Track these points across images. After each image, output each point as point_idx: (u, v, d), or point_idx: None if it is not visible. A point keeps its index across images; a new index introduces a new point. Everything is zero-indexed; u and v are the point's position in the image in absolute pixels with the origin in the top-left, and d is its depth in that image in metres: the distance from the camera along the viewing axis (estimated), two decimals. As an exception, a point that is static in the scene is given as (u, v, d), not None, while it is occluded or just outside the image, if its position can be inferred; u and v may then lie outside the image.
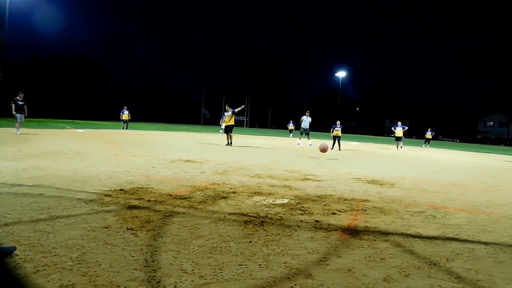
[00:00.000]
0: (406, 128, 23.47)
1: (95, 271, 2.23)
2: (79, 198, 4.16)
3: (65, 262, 2.34)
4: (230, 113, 15.68)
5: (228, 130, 15.62)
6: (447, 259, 2.89)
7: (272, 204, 4.52)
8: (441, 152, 23.35)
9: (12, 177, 5.31)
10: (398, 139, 23.01)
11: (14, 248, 2.43)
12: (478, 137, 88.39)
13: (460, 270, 2.67)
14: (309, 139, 21.01)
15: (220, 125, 16.83)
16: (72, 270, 2.22)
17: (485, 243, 3.40)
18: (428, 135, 31.64)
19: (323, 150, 11.38)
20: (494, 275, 2.60)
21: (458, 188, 7.05)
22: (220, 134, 26.81)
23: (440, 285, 2.36)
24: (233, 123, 15.81)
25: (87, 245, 2.67)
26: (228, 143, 15.53)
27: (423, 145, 31.52)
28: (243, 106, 16.28)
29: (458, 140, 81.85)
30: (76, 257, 2.43)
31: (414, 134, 78.97)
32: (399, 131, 22.84)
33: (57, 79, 71.93)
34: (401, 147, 23.25)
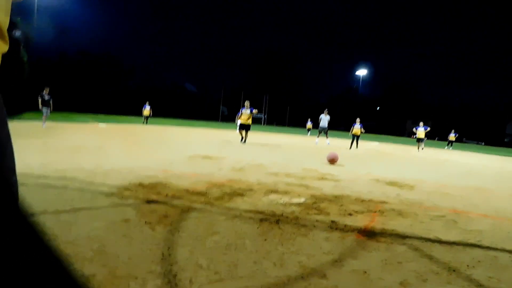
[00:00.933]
0: (429, 129, 22.97)
1: (114, 263, 2.29)
2: (100, 191, 4.25)
3: (86, 253, 2.40)
4: (249, 111, 15.42)
5: (245, 128, 15.41)
6: (468, 265, 2.83)
7: (288, 202, 4.52)
8: (465, 155, 22.83)
9: (39, 169, 5.47)
10: (419, 140, 22.59)
11: None
12: (505, 140, 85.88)
13: (481, 277, 2.61)
14: (327, 137, 20.88)
15: (236, 122, 16.26)
16: (92, 261, 2.28)
17: (509, 251, 3.31)
18: (452, 137, 30.93)
19: (332, 160, 9.72)
20: (515, 284, 2.54)
21: (482, 193, 6.89)
22: (237, 131, 26.89)
23: (457, 291, 2.32)
24: (250, 123, 15.60)
25: (107, 237, 2.73)
26: (242, 139, 15.36)
27: (446, 147, 30.88)
28: (256, 111, 15.87)
29: (483, 143, 79.80)
30: (97, 248, 2.49)
31: (437, 135, 77.36)
32: (421, 132, 22.35)
33: (82, 74, 73.49)
34: (423, 149, 22.84)
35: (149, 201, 3.96)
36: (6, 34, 1.61)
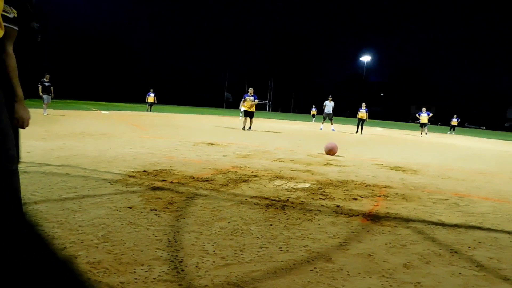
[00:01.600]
0: (431, 114, 23.17)
1: (120, 250, 2.31)
2: (104, 179, 4.28)
3: (91, 240, 2.43)
4: (253, 98, 15.31)
5: (249, 115, 15.34)
6: (469, 247, 2.85)
7: (294, 188, 4.53)
8: (467, 140, 22.75)
9: (41, 156, 5.50)
10: (423, 125, 22.86)
11: None
12: (506, 125, 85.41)
13: (482, 258, 2.63)
14: (332, 124, 20.86)
15: (240, 108, 16.12)
16: (98, 248, 2.31)
17: (509, 233, 3.33)
18: (454, 122, 30.88)
19: (330, 151, 8.30)
20: (518, 265, 2.55)
21: (484, 176, 6.88)
22: (240, 117, 26.87)
23: (460, 273, 2.34)
24: (254, 110, 15.50)
25: (112, 224, 2.76)
26: (244, 127, 15.28)
27: (448, 132, 30.81)
28: (256, 101, 15.67)
29: (485, 128, 79.42)
30: (102, 236, 2.51)
31: (440, 120, 76.97)
32: (424, 117, 22.73)
33: (84, 59, 72.99)
34: (426, 133, 22.95)
35: (154, 188, 3.98)
36: (1, 20, 1.60)
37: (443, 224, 3.43)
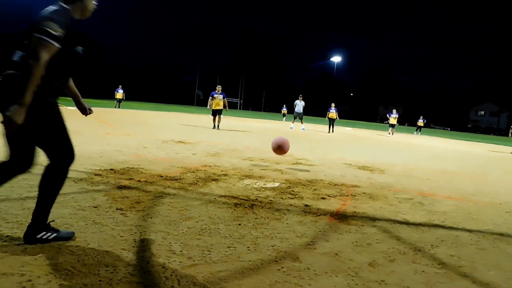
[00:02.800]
0: (397, 115, 24.59)
1: (84, 250, 2.24)
2: (69, 177, 4.09)
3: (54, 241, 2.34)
4: (221, 96, 14.81)
5: (218, 113, 14.84)
6: (432, 245, 2.94)
7: (263, 187, 4.54)
8: (432, 140, 23.56)
9: (0, 154, 5.26)
10: (392, 125, 24.05)
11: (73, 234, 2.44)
12: (469, 126, 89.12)
13: (444, 256, 2.72)
14: (302, 123, 21.08)
15: (208, 106, 15.30)
16: (60, 249, 2.22)
17: (469, 231, 3.46)
18: (420, 122, 31.92)
19: (278, 148, 6.26)
20: (476, 261, 2.66)
21: (447, 175, 7.14)
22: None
23: (423, 271, 2.41)
24: (223, 108, 15.04)
25: (76, 224, 2.67)
26: (214, 126, 14.76)
27: (415, 133, 31.75)
28: (225, 100, 15.04)
29: (449, 128, 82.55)
30: (65, 236, 2.43)
31: (407, 121, 79.31)
32: (393, 118, 24.10)
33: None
34: (392, 134, 23.87)
35: (120, 187, 3.89)
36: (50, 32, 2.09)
37: (407, 223, 3.53)
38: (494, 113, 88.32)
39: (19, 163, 2.37)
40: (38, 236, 2.25)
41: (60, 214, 2.83)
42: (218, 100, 14.79)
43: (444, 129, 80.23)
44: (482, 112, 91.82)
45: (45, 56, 2.04)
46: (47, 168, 2.35)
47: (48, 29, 2.05)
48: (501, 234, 3.42)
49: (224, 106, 15.04)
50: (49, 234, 2.29)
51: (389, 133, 23.99)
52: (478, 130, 79.31)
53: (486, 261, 2.68)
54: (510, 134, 20.04)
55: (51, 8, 2.18)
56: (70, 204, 3.12)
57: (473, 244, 3.08)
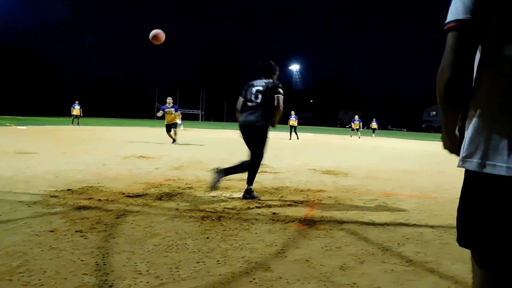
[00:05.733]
0: (360, 122, 28.01)
1: (39, 280, 2.07)
2: (21, 201, 3.88)
3: (4, 272, 2.15)
4: (173, 110, 13.40)
5: (172, 126, 13.58)
6: (399, 244, 2.99)
7: (229, 198, 4.47)
8: (391, 141, 24.36)
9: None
10: (356, 129, 27.31)
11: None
12: (423, 126, 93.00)
13: (411, 253, 2.76)
14: None
15: (156, 115, 14.13)
16: (12, 280, 2.05)
17: (432, 227, 3.56)
18: (373, 125, 32.97)
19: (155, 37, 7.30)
20: (440, 256, 2.72)
21: (408, 175, 7.36)
22: (181, 128, 26.34)
23: (392, 269, 2.43)
24: (176, 121, 13.75)
25: (30, 252, 2.48)
26: (173, 140, 13.47)
27: (373, 135, 32.68)
28: (178, 113, 13.76)
29: (405, 129, 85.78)
30: (18, 266, 2.24)
31: (365, 124, 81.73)
32: (356, 123, 27.34)
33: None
34: (359, 137, 25.87)
35: (79, 208, 3.69)
36: None
37: (374, 224, 3.57)
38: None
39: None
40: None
41: (12, 242, 2.63)
42: (170, 113, 13.47)
43: (400, 130, 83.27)
44: (434, 113, 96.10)
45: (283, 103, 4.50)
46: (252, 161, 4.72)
47: (282, 91, 4.56)
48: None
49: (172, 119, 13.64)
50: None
51: (351, 136, 26.40)
52: (432, 130, 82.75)
53: (450, 255, 2.74)
54: None
55: (278, 81, 4.67)
56: (23, 230, 2.91)
57: (437, 239, 3.16)
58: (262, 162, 4.68)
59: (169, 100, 13.83)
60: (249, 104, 4.53)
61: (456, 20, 1.07)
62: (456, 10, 1.08)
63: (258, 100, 4.45)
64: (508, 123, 1.01)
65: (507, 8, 1.01)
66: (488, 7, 1.03)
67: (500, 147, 1.01)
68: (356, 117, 27.54)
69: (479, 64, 1.10)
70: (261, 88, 4.49)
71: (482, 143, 1.05)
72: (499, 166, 1.00)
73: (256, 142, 4.56)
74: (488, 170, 1.02)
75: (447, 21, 1.10)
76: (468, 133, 1.10)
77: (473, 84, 1.12)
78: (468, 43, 1.07)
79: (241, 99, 4.70)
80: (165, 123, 13.61)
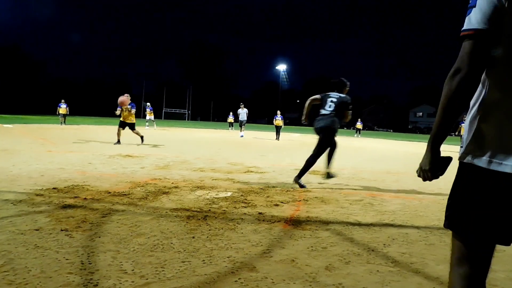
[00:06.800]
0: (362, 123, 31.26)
1: (24, 278, 2.06)
2: (5, 199, 3.83)
3: (-11, 270, 2.13)
4: (130, 107, 12.07)
5: (130, 127, 12.22)
6: (384, 244, 3.03)
7: (215, 197, 4.48)
8: (377, 142, 24.59)
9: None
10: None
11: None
12: (409, 127, 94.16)
13: (396, 254, 2.81)
14: (241, 130, 21.44)
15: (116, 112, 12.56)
16: (-4, 279, 2.03)
17: (417, 227, 3.62)
18: (359, 125, 33.25)
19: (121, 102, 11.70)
20: (425, 257, 2.77)
21: (393, 176, 7.46)
22: (146, 127, 26.11)
23: (378, 270, 2.47)
24: (132, 121, 12.29)
25: (14, 250, 2.46)
26: (117, 141, 11.93)
27: (355, 135, 32.93)
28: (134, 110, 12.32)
29: (392, 130, 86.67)
30: (2, 264, 2.22)
31: (351, 125, 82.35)
32: (359, 124, 30.81)
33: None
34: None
35: (64, 206, 3.66)
36: None
37: (359, 224, 3.62)
38: (430, 114, 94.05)
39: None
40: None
41: (-4, 241, 2.60)
42: (126, 112, 12.15)
43: (387, 131, 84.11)
44: (420, 114, 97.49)
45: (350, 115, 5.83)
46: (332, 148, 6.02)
47: (351, 106, 5.77)
48: (446, 229, 3.60)
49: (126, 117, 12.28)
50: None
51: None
52: (418, 131, 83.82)
53: (435, 256, 2.80)
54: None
55: (349, 97, 5.76)
56: (7, 229, 2.88)
57: (422, 240, 3.21)
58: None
59: (127, 97, 12.22)
60: (323, 111, 5.75)
61: (474, 29, 1.16)
62: (475, 19, 1.16)
63: (331, 109, 5.66)
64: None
65: None
66: (505, 17, 1.12)
67: (508, 147, 1.14)
68: (359, 119, 31.85)
69: (490, 67, 1.20)
70: (335, 100, 5.69)
71: (490, 142, 1.18)
72: (504, 164, 1.14)
73: (327, 139, 5.80)
74: (494, 167, 1.16)
75: (464, 28, 1.19)
76: (476, 132, 1.22)
77: (482, 86, 1.23)
78: (483, 51, 1.16)
79: (316, 97, 5.98)
80: (121, 120, 12.18)
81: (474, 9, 1.17)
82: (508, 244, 1.21)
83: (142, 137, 12.36)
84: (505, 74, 1.17)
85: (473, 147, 1.23)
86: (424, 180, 1.47)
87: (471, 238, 1.24)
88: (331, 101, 5.70)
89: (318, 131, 5.80)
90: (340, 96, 5.74)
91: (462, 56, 1.18)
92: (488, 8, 1.14)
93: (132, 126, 12.31)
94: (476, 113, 1.23)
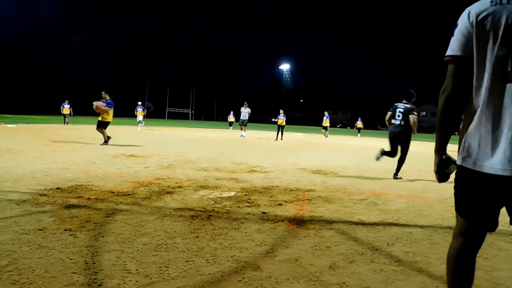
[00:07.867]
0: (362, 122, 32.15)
1: (28, 278, 2.06)
2: (9, 199, 3.84)
3: (-7, 270, 2.14)
4: (105, 105, 11.33)
5: (101, 125, 11.33)
6: (388, 243, 3.02)
7: (219, 197, 4.48)
8: (380, 141, 24.52)
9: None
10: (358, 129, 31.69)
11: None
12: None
13: (400, 253, 2.80)
14: (243, 130, 21.38)
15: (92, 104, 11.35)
16: (0, 279, 2.04)
17: (421, 227, 3.60)
18: (359, 124, 32.99)
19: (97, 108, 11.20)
20: (429, 256, 2.76)
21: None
22: (140, 127, 25.98)
23: (381, 269, 2.46)
24: (108, 119, 11.51)
25: (19, 250, 2.47)
26: (105, 141, 11.17)
27: (358, 135, 32.73)
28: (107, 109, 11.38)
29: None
30: (6, 264, 2.23)
31: (353, 124, 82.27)
32: (359, 123, 31.59)
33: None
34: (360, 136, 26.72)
35: (68, 206, 3.67)
36: None
37: (363, 223, 3.60)
38: (434, 113, 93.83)
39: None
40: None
41: (0, 241, 2.61)
42: (103, 109, 11.34)
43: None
44: (424, 113, 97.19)
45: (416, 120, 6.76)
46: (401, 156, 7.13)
47: (416, 113, 6.74)
48: (450, 228, 3.58)
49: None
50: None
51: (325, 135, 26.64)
52: (422, 130, 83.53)
53: (439, 255, 2.78)
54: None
55: (414, 106, 6.87)
56: (11, 229, 2.89)
57: (426, 239, 3.20)
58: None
59: (105, 93, 11.71)
60: (393, 121, 6.95)
61: (453, 56, 1.48)
62: (455, 46, 1.47)
63: (400, 118, 6.79)
64: (488, 133, 1.40)
65: (483, 48, 1.39)
66: (474, 42, 1.41)
67: (485, 152, 1.40)
68: (359, 118, 32.66)
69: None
70: (402, 110, 6.83)
71: (473, 148, 1.44)
72: (484, 166, 1.39)
73: (405, 144, 7.01)
74: (477, 168, 1.42)
75: (446, 54, 1.50)
76: (464, 140, 1.48)
77: (470, 101, 1.50)
78: (462, 73, 1.47)
79: (389, 113, 7.12)
80: (99, 119, 11.43)
81: (453, 37, 1.48)
82: (493, 230, 1.51)
83: (107, 140, 11.22)
84: (478, 91, 1.42)
85: (463, 152, 1.49)
86: (439, 181, 1.69)
87: (466, 220, 1.55)
88: (399, 111, 6.83)
89: (390, 138, 7.10)
90: (406, 107, 6.81)
91: (447, 78, 1.49)
92: (462, 38, 1.44)
93: (106, 125, 11.36)
94: (463, 124, 1.52)
